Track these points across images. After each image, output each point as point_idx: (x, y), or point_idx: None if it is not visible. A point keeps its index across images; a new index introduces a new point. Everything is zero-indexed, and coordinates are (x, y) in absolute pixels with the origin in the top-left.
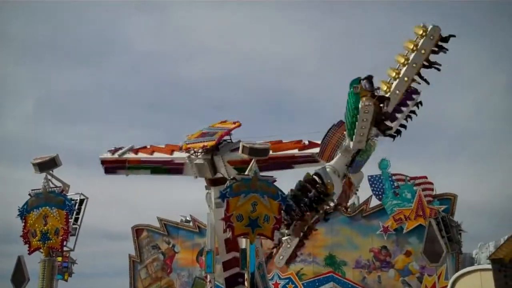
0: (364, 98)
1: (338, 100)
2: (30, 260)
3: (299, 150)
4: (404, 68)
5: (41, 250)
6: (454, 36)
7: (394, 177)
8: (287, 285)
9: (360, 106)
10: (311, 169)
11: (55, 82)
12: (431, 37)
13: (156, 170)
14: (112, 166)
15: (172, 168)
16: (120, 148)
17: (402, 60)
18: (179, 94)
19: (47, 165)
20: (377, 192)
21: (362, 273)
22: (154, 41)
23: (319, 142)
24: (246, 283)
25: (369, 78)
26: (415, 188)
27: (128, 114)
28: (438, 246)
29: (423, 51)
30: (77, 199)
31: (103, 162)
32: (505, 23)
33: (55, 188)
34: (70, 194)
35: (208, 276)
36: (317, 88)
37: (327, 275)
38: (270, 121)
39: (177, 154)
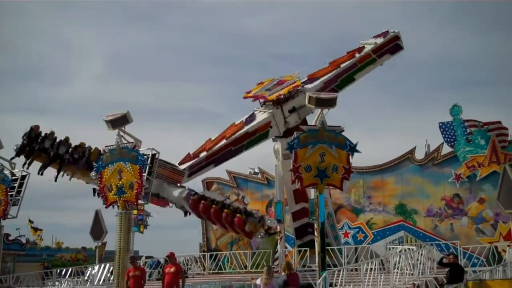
0: None
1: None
2: (107, 213)
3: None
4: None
5: (118, 204)
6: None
7: (466, 123)
8: (357, 234)
9: None
10: None
11: (121, 41)
12: None
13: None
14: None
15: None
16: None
17: None
18: (243, 46)
19: (119, 122)
20: (448, 139)
21: (434, 221)
22: None
23: None
24: (316, 232)
25: None
26: (488, 133)
27: (194, 69)
28: None
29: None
30: (149, 154)
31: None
32: None
33: (127, 144)
34: (142, 150)
35: (278, 226)
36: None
37: (398, 223)
38: None
39: (255, 120)
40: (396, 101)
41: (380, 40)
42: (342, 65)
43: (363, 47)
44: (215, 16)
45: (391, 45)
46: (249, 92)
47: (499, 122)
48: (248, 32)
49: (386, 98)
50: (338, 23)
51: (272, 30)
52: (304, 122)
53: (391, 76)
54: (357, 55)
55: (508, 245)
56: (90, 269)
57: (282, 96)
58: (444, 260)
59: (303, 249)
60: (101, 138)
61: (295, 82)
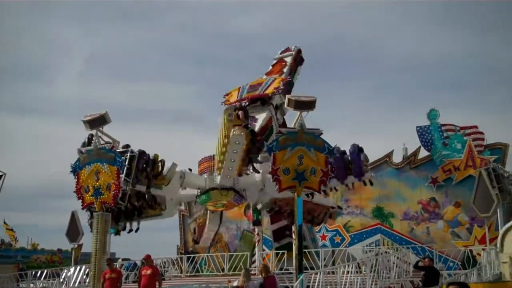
0: (236, 128)
1: (390, 48)
2: (83, 214)
3: None
4: None
5: (94, 205)
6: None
7: (443, 128)
8: (334, 237)
9: (231, 135)
10: None
11: (104, 40)
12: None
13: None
14: None
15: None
16: None
17: None
18: (229, 46)
19: (97, 122)
20: (425, 143)
21: (410, 224)
22: None
23: None
24: (293, 235)
25: (244, 109)
26: (465, 138)
27: (178, 70)
28: (489, 197)
29: None
30: (127, 155)
31: None
32: None
33: (105, 145)
34: (120, 151)
35: (256, 229)
36: (368, 36)
37: (375, 227)
38: (319, 71)
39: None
40: (397, 101)
41: (291, 54)
42: (285, 70)
43: (283, 60)
44: (205, 16)
45: (299, 58)
46: (228, 101)
47: (476, 127)
48: (239, 32)
49: (385, 98)
50: (338, 23)
51: (263, 30)
52: (284, 124)
53: (390, 76)
54: (287, 65)
55: (483, 249)
56: (65, 271)
57: (280, 90)
58: (420, 264)
59: (281, 251)
60: (79, 139)
61: (275, 78)
